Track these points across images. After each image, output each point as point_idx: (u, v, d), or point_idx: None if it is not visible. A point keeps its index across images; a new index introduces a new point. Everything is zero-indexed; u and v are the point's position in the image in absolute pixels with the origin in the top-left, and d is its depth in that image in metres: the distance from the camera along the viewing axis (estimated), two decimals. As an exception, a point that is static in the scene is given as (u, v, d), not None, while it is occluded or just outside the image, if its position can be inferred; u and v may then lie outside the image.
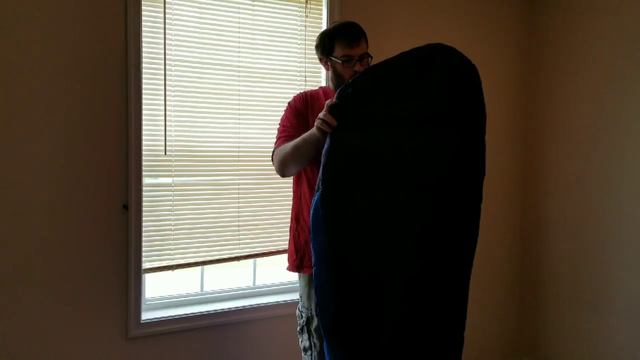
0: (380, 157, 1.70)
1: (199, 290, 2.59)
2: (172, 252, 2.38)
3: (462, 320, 1.85)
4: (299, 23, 2.60)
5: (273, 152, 1.98)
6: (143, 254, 2.30)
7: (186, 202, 2.40)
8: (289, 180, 2.18)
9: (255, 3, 2.49)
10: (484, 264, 3.17)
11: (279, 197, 2.57)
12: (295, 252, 2.02)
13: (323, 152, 1.70)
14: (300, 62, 2.61)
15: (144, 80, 2.26)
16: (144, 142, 2.27)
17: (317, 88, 2.14)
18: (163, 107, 2.32)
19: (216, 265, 2.52)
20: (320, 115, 1.71)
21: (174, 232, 2.38)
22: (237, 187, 2.50)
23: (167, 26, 2.31)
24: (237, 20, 2.46)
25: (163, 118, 2.32)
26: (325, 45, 1.97)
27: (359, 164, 1.69)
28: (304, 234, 1.98)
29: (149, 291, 2.46)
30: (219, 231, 2.48)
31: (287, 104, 2.05)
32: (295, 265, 2.02)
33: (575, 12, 2.93)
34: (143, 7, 2.24)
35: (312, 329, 1.96)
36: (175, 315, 2.39)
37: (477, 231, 1.84)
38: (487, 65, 3.11)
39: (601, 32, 2.79)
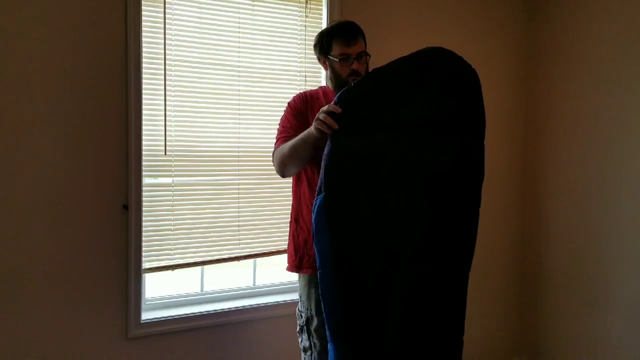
0: (381, 160, 1.70)
1: (199, 290, 2.59)
2: (172, 252, 2.38)
3: (461, 322, 1.86)
4: (299, 23, 2.60)
5: (273, 152, 1.99)
6: (143, 254, 2.30)
7: (186, 202, 2.40)
8: (289, 180, 2.18)
9: (255, 3, 2.49)
10: (484, 264, 3.17)
11: (279, 197, 2.57)
12: (295, 252, 2.02)
13: (324, 155, 1.70)
14: (300, 62, 2.61)
15: (144, 80, 2.26)
16: (144, 142, 2.27)
17: (316, 88, 2.14)
18: (163, 107, 2.32)
19: (216, 265, 2.52)
20: (320, 116, 1.70)
21: (174, 232, 2.38)
22: (237, 187, 2.50)
23: (167, 26, 2.31)
24: (237, 20, 2.46)
25: (163, 118, 2.32)
26: (323, 45, 1.98)
27: (360, 167, 1.69)
28: (304, 234, 1.98)
29: (149, 291, 2.46)
30: (219, 231, 2.48)
31: (287, 104, 2.05)
32: (295, 265, 2.02)
33: (575, 13, 2.93)
34: (143, 7, 2.24)
35: (312, 329, 1.96)
36: (175, 315, 2.39)
37: (476, 234, 1.84)
38: (487, 65, 3.11)
39: (601, 32, 2.79)
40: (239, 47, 2.47)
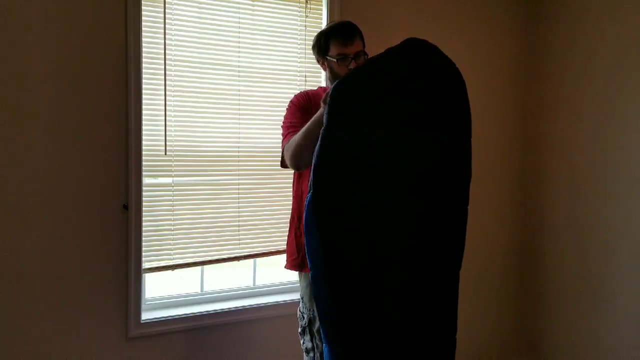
0: (372, 157, 1.67)
1: (199, 290, 2.59)
2: (172, 252, 2.38)
3: (454, 320, 1.85)
4: (299, 23, 2.60)
5: (282, 150, 1.95)
6: (143, 254, 2.30)
7: (186, 202, 2.40)
8: (289, 180, 2.18)
9: (255, 3, 2.50)
10: (484, 264, 3.17)
11: (279, 197, 2.57)
12: (297, 250, 2.01)
13: (315, 152, 1.68)
14: (300, 62, 2.61)
15: (144, 80, 2.26)
16: (144, 142, 2.27)
17: (316, 88, 2.14)
18: (163, 107, 2.32)
19: (216, 265, 2.52)
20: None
21: (174, 232, 2.38)
22: (237, 187, 2.50)
23: (167, 26, 2.30)
24: (237, 20, 2.46)
25: (163, 118, 2.32)
26: (321, 45, 1.98)
27: (350, 165, 1.67)
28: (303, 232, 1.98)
29: (149, 291, 2.46)
30: (219, 231, 2.48)
31: (289, 103, 2.04)
32: (297, 264, 2.02)
33: (575, 14, 2.93)
34: (143, 7, 2.24)
35: (315, 330, 1.96)
36: (175, 315, 2.39)
37: (465, 232, 1.84)
38: (486, 66, 3.12)
39: (600, 33, 2.79)
40: (239, 47, 2.47)
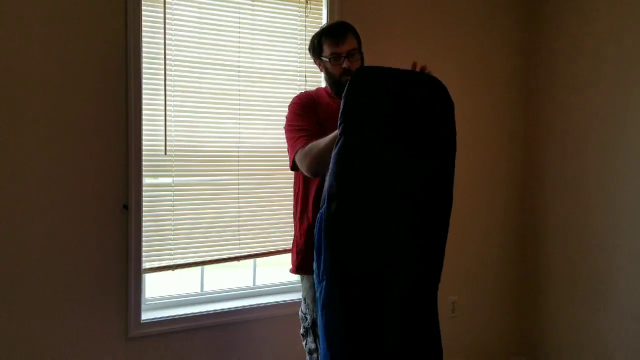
0: (382, 170, 1.68)
1: (199, 290, 2.59)
2: (172, 252, 2.38)
3: (438, 327, 1.86)
4: (298, 23, 2.60)
5: (296, 153, 1.89)
6: (143, 254, 2.30)
7: (186, 202, 2.40)
8: (289, 180, 2.18)
9: (255, 3, 2.50)
10: (484, 264, 3.17)
11: (279, 197, 2.57)
12: (297, 253, 2.01)
13: (330, 168, 1.68)
14: (300, 62, 2.61)
15: (144, 80, 2.26)
16: (144, 142, 2.27)
17: (314, 89, 2.13)
18: (163, 107, 2.32)
19: (216, 265, 2.52)
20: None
21: (174, 232, 2.38)
22: (237, 187, 2.50)
23: (167, 26, 2.30)
24: (237, 20, 2.46)
25: (163, 118, 2.32)
26: (315, 47, 1.99)
27: (363, 178, 1.67)
28: (309, 235, 1.96)
29: (149, 291, 2.46)
30: (219, 231, 2.47)
31: (292, 105, 2.01)
32: (299, 266, 2.00)
33: (575, 13, 2.93)
34: (143, 7, 2.24)
35: (318, 331, 1.95)
36: (175, 315, 2.39)
37: (444, 252, 1.85)
38: (486, 65, 3.12)
39: (600, 32, 2.79)
40: (239, 47, 2.47)
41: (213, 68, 2.42)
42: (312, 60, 2.10)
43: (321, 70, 2.04)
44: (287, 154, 1.99)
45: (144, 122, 2.27)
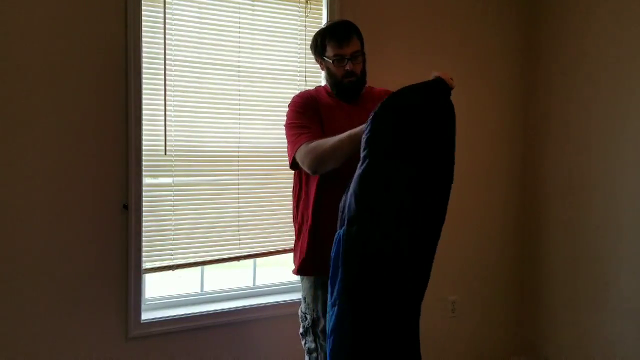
0: (403, 200, 1.68)
1: (199, 290, 2.59)
2: (172, 252, 2.38)
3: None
4: (298, 23, 2.60)
5: (297, 149, 1.88)
6: (143, 254, 2.30)
7: (186, 202, 2.40)
8: (289, 180, 2.17)
9: (255, 3, 2.50)
10: (484, 264, 3.17)
11: (279, 197, 2.57)
12: (300, 255, 2.00)
13: (352, 187, 1.67)
14: (300, 62, 2.61)
15: (144, 80, 2.26)
16: (144, 142, 2.27)
17: (314, 88, 2.12)
18: (163, 107, 2.32)
19: (216, 265, 2.52)
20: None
21: (174, 232, 2.38)
22: (237, 187, 2.50)
23: (167, 26, 2.30)
24: (237, 20, 2.46)
25: (163, 118, 2.32)
26: (318, 46, 1.98)
27: (385, 199, 1.67)
28: (310, 236, 1.95)
29: (149, 291, 2.46)
30: (219, 231, 2.47)
31: (292, 105, 2.01)
32: (301, 268, 1.99)
33: (575, 13, 2.94)
34: (143, 7, 2.24)
35: (318, 331, 1.94)
36: (175, 315, 2.39)
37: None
38: (486, 65, 3.12)
39: (600, 32, 2.79)
40: (239, 47, 2.47)
41: (213, 68, 2.42)
42: (312, 60, 2.09)
43: (322, 69, 2.04)
44: (287, 153, 1.98)
45: (144, 122, 2.27)
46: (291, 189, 2.13)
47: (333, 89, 2.00)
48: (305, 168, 1.87)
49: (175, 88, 2.34)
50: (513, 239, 3.25)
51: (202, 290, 2.59)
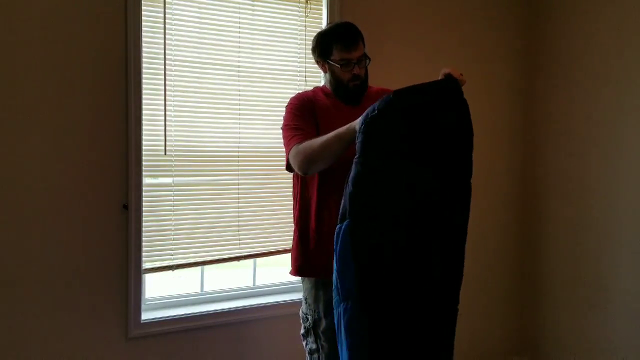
0: (398, 188, 1.67)
1: (199, 290, 2.59)
2: (172, 252, 2.38)
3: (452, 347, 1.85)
4: (298, 23, 2.60)
5: (290, 150, 1.88)
6: (143, 254, 2.30)
7: (186, 202, 2.40)
8: (289, 180, 2.17)
9: (255, 3, 2.50)
10: (484, 264, 3.17)
11: (279, 197, 2.57)
12: (301, 256, 1.98)
13: (350, 179, 1.66)
14: (300, 62, 2.61)
15: (144, 80, 2.26)
16: (144, 142, 2.27)
17: (311, 89, 2.12)
18: (163, 107, 2.32)
19: (216, 265, 2.52)
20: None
21: (174, 232, 2.38)
22: (237, 187, 2.50)
23: (167, 26, 2.30)
24: (237, 20, 2.46)
25: (163, 118, 2.32)
26: (322, 48, 1.96)
27: (383, 196, 1.66)
28: (312, 238, 1.95)
29: (149, 291, 2.46)
30: (219, 231, 2.47)
31: (288, 106, 2.00)
32: (301, 270, 1.98)
33: (574, 14, 2.93)
34: (143, 7, 2.24)
35: (320, 332, 1.94)
36: (175, 315, 2.39)
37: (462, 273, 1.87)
38: (486, 65, 3.12)
39: (601, 31, 2.79)
40: (239, 47, 2.47)
41: (213, 68, 2.42)
42: (313, 60, 2.07)
43: (324, 71, 2.02)
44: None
45: (144, 122, 2.27)
46: (291, 189, 2.13)
47: (337, 91, 1.99)
48: (296, 169, 1.87)
49: (175, 88, 2.34)
50: (513, 239, 3.25)
51: (202, 290, 2.59)
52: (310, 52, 2.04)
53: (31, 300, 2.11)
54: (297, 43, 2.60)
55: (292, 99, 2.02)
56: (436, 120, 1.70)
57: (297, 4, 2.59)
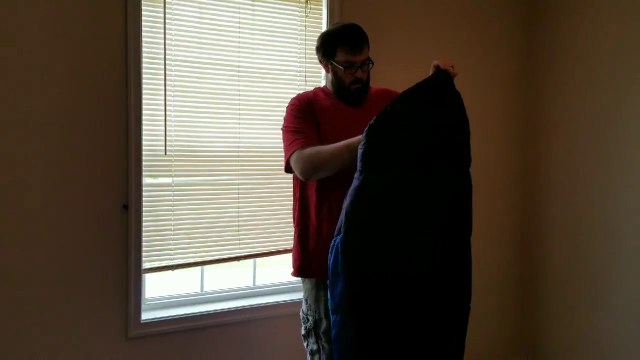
0: (398, 198, 1.68)
1: (199, 290, 2.59)
2: (172, 252, 2.38)
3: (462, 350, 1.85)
4: (299, 23, 2.60)
5: (291, 154, 1.87)
6: (143, 254, 2.30)
7: (186, 202, 2.40)
8: (289, 180, 2.17)
9: (255, 3, 2.50)
10: (484, 264, 3.17)
11: (279, 197, 2.57)
12: (302, 257, 1.98)
13: (349, 194, 1.66)
14: (300, 62, 2.61)
15: (144, 80, 2.26)
16: (144, 142, 2.27)
17: (311, 90, 2.12)
18: (163, 107, 2.32)
19: (216, 265, 2.52)
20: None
21: (174, 232, 2.38)
22: (237, 187, 2.50)
23: (167, 26, 2.30)
24: (237, 20, 2.46)
25: (163, 118, 2.32)
26: (327, 49, 1.95)
27: (380, 208, 1.66)
28: (313, 239, 1.95)
29: (149, 291, 2.46)
30: (219, 231, 2.47)
31: (289, 107, 2.00)
32: (302, 270, 1.98)
33: (575, 12, 2.93)
34: (143, 7, 2.24)
35: (321, 332, 1.93)
36: (175, 315, 2.39)
37: (471, 269, 1.87)
38: (487, 65, 3.12)
39: (601, 31, 2.79)
40: (239, 47, 2.47)
41: (213, 68, 2.42)
42: (313, 60, 2.08)
43: (327, 71, 2.02)
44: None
45: (144, 122, 2.27)
46: (291, 189, 2.13)
47: (338, 92, 1.98)
48: (297, 174, 1.88)
49: (175, 88, 2.34)
50: (513, 240, 3.25)
51: (202, 290, 2.59)
52: (313, 50, 2.04)
53: (31, 300, 2.11)
54: (297, 43, 2.60)
55: (293, 99, 2.01)
56: (434, 116, 1.70)
57: (297, 4, 2.59)
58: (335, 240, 1.69)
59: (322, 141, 1.87)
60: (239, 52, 2.47)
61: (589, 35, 2.85)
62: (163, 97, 2.31)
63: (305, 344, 2.03)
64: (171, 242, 2.38)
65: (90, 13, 2.15)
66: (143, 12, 2.25)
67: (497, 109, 3.17)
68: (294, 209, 2.06)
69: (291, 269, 2.05)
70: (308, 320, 1.99)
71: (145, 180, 2.31)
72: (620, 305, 2.71)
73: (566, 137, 2.98)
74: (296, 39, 2.60)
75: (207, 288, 2.60)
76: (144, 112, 2.27)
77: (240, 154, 2.50)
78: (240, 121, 2.49)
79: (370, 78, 2.05)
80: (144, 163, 2.28)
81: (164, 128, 2.32)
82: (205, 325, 2.43)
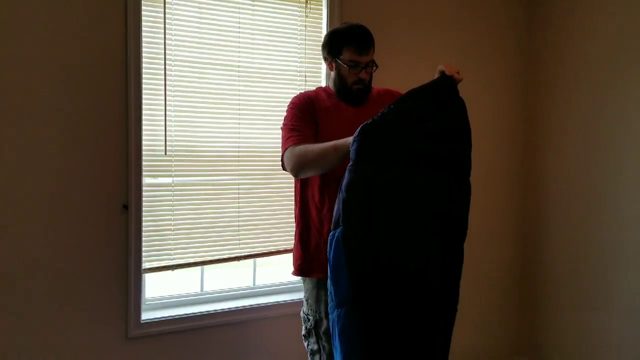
0: (398, 194, 1.68)
1: (199, 290, 2.59)
2: (172, 252, 2.38)
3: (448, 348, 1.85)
4: (299, 23, 2.60)
5: (285, 150, 1.90)
6: (143, 254, 2.30)
7: (186, 202, 2.40)
8: (289, 180, 2.17)
9: (255, 3, 2.50)
10: (485, 264, 3.17)
11: (279, 197, 2.57)
12: (303, 256, 1.98)
13: (343, 187, 1.67)
14: (300, 62, 2.61)
15: (144, 80, 2.26)
16: (144, 142, 2.27)
17: (314, 89, 2.12)
18: (163, 107, 2.32)
19: (216, 265, 2.52)
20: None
21: (174, 232, 2.38)
22: (237, 187, 2.50)
23: (167, 26, 2.31)
24: (237, 20, 2.46)
25: (163, 118, 2.32)
26: (333, 46, 1.96)
27: (379, 202, 1.66)
28: (314, 238, 1.95)
29: (149, 291, 2.46)
30: (219, 231, 2.47)
31: (290, 104, 2.01)
32: (303, 270, 1.98)
33: (575, 12, 2.93)
34: (143, 7, 2.24)
35: (321, 332, 1.94)
36: (175, 315, 2.39)
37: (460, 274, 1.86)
38: (487, 65, 3.12)
39: (601, 31, 2.79)
40: (239, 47, 2.47)
41: (213, 68, 2.42)
42: (313, 60, 2.08)
43: (330, 69, 2.01)
44: None
45: (144, 122, 2.27)
46: (291, 189, 2.14)
47: (339, 92, 1.99)
48: (288, 171, 1.90)
49: (175, 88, 2.34)
50: (513, 239, 3.25)
51: (202, 290, 2.59)
52: (315, 49, 2.04)
53: (31, 299, 2.11)
54: (297, 43, 2.60)
55: (294, 98, 2.02)
56: (434, 120, 1.70)
57: (297, 4, 2.59)
58: (333, 234, 1.68)
59: (321, 141, 1.88)
60: (239, 52, 2.47)
61: (590, 35, 2.85)
62: (163, 97, 2.31)
63: (305, 344, 2.03)
64: (171, 242, 2.38)
65: (90, 13, 2.15)
66: (143, 12, 2.25)
67: (498, 109, 3.17)
68: (294, 208, 2.06)
69: (291, 269, 2.05)
70: (309, 320, 1.99)
71: (145, 180, 2.31)
72: (619, 305, 2.71)
73: (566, 137, 2.98)
74: (296, 39, 2.60)
75: (207, 288, 2.60)
76: (144, 112, 2.27)
77: (240, 154, 2.50)
78: (240, 121, 2.49)
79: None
80: (144, 163, 2.28)
81: (164, 128, 2.32)
82: (205, 326, 2.43)
